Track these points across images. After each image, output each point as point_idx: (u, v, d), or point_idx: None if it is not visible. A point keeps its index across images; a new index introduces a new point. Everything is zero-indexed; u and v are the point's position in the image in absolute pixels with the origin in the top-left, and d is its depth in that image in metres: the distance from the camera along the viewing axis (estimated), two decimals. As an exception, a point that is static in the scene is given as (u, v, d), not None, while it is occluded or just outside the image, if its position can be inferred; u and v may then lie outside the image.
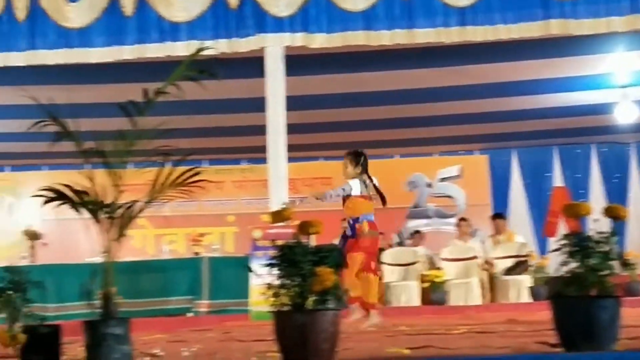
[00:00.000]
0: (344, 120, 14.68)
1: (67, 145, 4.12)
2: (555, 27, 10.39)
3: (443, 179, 17.25)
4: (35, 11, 10.90)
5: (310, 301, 3.95)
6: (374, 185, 9.17)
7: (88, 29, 10.85)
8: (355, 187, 8.93)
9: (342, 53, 11.19)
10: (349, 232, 8.79)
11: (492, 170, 17.32)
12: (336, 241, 12.16)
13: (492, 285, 13.18)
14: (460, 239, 13.95)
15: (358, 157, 9.12)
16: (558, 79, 12.93)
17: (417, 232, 15.54)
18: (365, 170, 9.15)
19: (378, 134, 15.82)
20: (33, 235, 12.26)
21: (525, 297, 12.36)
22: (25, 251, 12.35)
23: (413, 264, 13.25)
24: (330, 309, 3.97)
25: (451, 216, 16.88)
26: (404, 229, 16.97)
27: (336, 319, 3.96)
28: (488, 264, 13.48)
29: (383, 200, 9.20)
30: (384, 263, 13.30)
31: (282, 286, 4.01)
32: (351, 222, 8.82)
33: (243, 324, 9.32)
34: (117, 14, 10.84)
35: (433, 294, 12.41)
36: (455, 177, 17.24)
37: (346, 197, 8.94)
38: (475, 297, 12.65)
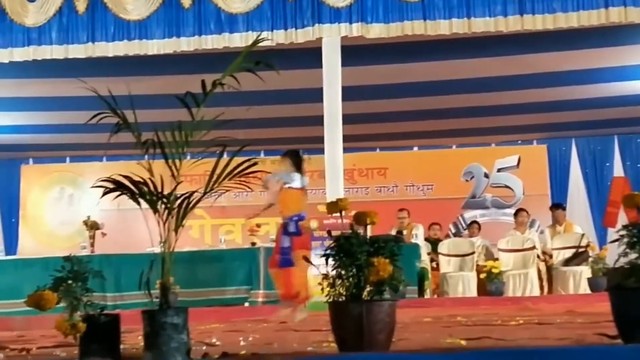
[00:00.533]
0: (400, 111, 14.63)
1: (126, 137, 4.17)
2: (615, 14, 10.27)
3: (501, 169, 17.10)
4: (95, 4, 11.06)
5: (366, 292, 3.95)
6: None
7: (147, 21, 11.00)
8: (297, 180, 8.98)
9: (399, 43, 11.16)
10: (292, 229, 8.83)
11: (550, 160, 17.12)
12: (393, 232, 12.19)
13: (550, 276, 13.05)
14: (518, 229, 13.83)
15: (297, 158, 9.23)
16: (619, 68, 12.74)
17: (474, 222, 15.44)
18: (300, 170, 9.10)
19: (435, 124, 15.75)
20: (93, 226, 12.41)
21: (584, 289, 12.22)
22: (85, 241, 12.53)
23: (470, 254, 13.17)
24: (386, 300, 3.96)
25: (509, 207, 16.74)
26: (461, 219, 16.90)
27: (392, 309, 3.95)
28: (546, 254, 13.36)
29: None
30: (441, 254, 13.24)
31: (338, 276, 4.02)
32: (295, 218, 8.82)
33: (299, 314, 9.33)
34: (176, 6, 10.97)
35: (490, 284, 12.32)
36: (513, 167, 17.07)
37: (284, 191, 8.96)
38: (533, 288, 12.54)
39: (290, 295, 8.71)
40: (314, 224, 9.43)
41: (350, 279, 3.97)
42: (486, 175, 17.10)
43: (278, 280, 8.99)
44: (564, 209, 14.44)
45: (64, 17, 11.10)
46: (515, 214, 14.25)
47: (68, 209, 17.28)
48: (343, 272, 4.00)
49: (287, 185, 8.91)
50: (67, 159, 17.77)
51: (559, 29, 10.54)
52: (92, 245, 12.27)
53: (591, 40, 11.47)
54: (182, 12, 10.98)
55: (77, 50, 11.11)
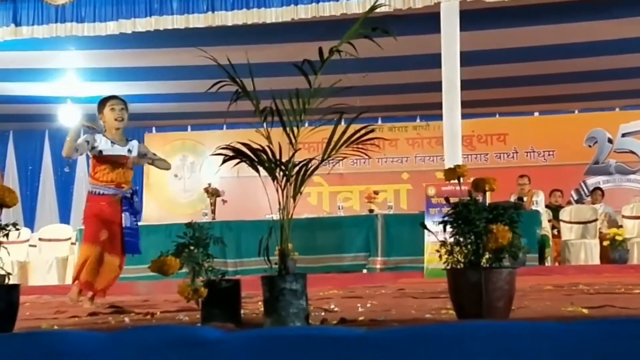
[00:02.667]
0: (519, 75, 14.39)
1: (245, 105, 4.21)
2: None
3: (625, 134, 16.65)
4: (214, -27, 11.20)
5: (485, 259, 3.92)
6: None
7: (265, -11, 11.09)
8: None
9: (517, 7, 10.96)
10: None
11: (678, 124, 16.60)
12: (513, 199, 12.01)
13: (677, 243, 12.71)
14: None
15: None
16: None
17: (597, 188, 15.11)
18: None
19: (555, 89, 15.44)
20: (214, 193, 12.64)
21: None
22: (206, 208, 12.78)
23: (593, 221, 12.90)
24: (505, 267, 3.92)
25: (633, 172, 16.33)
26: (583, 185, 16.55)
27: (511, 277, 3.90)
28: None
29: None
30: (562, 221, 13.02)
31: (456, 244, 3.99)
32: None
33: (417, 281, 9.33)
34: (293, -25, 11.00)
35: (613, 252, 12.07)
36: (639, 132, 16.60)
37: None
38: (659, 256, 12.23)
39: None
40: None
41: (469, 246, 3.94)
42: (610, 141, 16.68)
43: None
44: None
45: (183, -11, 11.30)
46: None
47: (190, 177, 17.65)
48: (461, 239, 3.97)
49: None
50: (189, 127, 18.13)
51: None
52: (213, 212, 12.51)
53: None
54: (300, -21, 11.03)
55: (197, 20, 11.30)
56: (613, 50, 13.09)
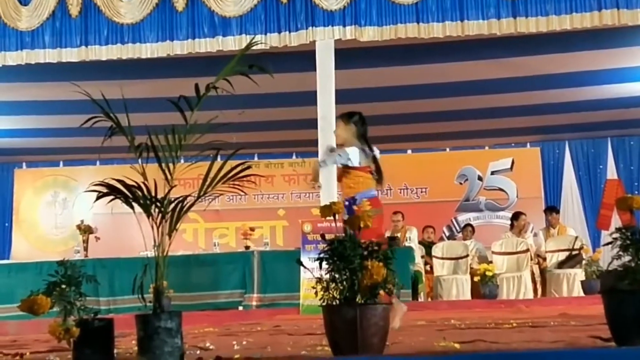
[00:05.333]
0: (392, 114, 14.63)
1: (119, 140, 4.16)
2: (608, 17, 10.30)
3: (494, 172, 17.12)
4: (88, 7, 11.06)
5: (360, 295, 3.95)
6: (374, 157, 7.18)
7: (140, 24, 11.00)
8: (354, 156, 7.09)
9: (392, 46, 11.17)
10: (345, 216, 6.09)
11: (544, 162, 17.18)
12: (386, 235, 12.15)
13: (544, 279, 13.09)
14: (517, 233, 13.82)
15: (352, 117, 7.45)
16: (612, 70, 12.77)
17: (468, 225, 15.46)
18: (363, 135, 7.30)
19: (428, 127, 15.77)
20: (86, 230, 12.40)
21: (578, 291, 12.24)
22: (78, 245, 12.50)
23: (464, 257, 13.18)
24: (380, 303, 3.96)
25: (502, 209, 16.78)
26: (455, 222, 16.92)
27: (386, 313, 3.95)
28: (540, 257, 13.38)
29: (380, 178, 7.06)
30: (434, 257, 13.25)
31: (332, 280, 4.01)
32: (347, 203, 6.80)
33: (293, 317, 9.34)
34: (169, 9, 10.98)
35: (484, 287, 12.33)
36: (507, 170, 17.09)
37: (342, 170, 7.16)
38: (527, 291, 12.56)
39: None
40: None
41: (344, 283, 3.97)
42: (480, 178, 17.12)
43: None
44: (557, 212, 14.49)
45: (57, 21, 11.09)
46: (515, 217, 14.23)
47: (62, 213, 17.25)
48: (337, 275, 4.00)
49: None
50: (61, 163, 17.74)
51: (552, 31, 10.56)
52: (86, 249, 12.26)
53: (584, 42, 11.50)
54: (176, 15, 10.97)
55: (71, 54, 11.10)
56: (483, 89, 13.47)
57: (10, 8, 11.10)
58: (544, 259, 13.29)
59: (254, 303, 11.03)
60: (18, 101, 13.41)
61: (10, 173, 17.56)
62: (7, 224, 17.31)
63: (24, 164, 17.67)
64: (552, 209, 14.51)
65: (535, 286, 12.97)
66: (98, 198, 4.02)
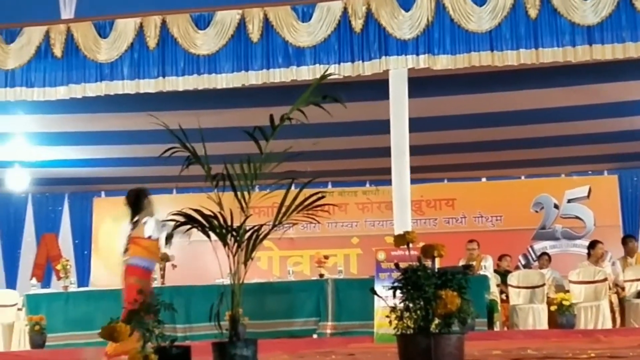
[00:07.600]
0: (466, 142, 14.57)
1: (196, 169, 4.22)
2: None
3: (571, 200, 16.90)
4: (166, 39, 11.25)
5: (434, 324, 3.94)
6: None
7: (216, 55, 11.15)
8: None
9: (466, 74, 11.13)
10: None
11: (622, 190, 16.87)
12: (461, 263, 12.09)
13: (623, 308, 12.81)
14: (594, 262, 13.57)
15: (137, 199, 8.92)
16: (691, 96, 12.54)
17: (544, 254, 15.24)
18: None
19: (503, 155, 15.65)
20: (163, 258, 12.52)
21: (658, 321, 11.99)
22: (156, 273, 12.64)
23: (540, 286, 12.99)
24: (455, 333, 3.95)
25: (579, 238, 16.53)
26: (531, 250, 16.72)
27: (460, 342, 3.93)
28: (618, 287, 13.13)
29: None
30: (510, 285, 13.10)
31: (406, 309, 4.01)
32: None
33: (367, 346, 9.31)
34: (244, 40, 11.10)
35: (561, 317, 12.13)
36: (584, 197, 16.86)
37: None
38: (605, 320, 12.31)
39: None
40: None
41: (418, 312, 3.97)
42: (556, 206, 16.90)
43: None
44: (636, 240, 14.20)
45: (135, 53, 11.31)
46: (592, 246, 13.95)
47: (139, 241, 17.45)
48: (411, 304, 4.00)
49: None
50: (139, 192, 17.97)
51: (629, 58, 10.41)
52: (163, 277, 12.38)
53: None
54: (251, 46, 11.10)
55: (148, 85, 11.30)
56: (559, 117, 13.32)
57: (90, 41, 11.36)
58: (623, 289, 13.03)
59: (329, 331, 11.04)
60: (97, 131, 13.68)
61: (90, 202, 17.88)
62: (86, 252, 17.61)
63: (102, 192, 17.97)
64: (629, 237, 14.24)
65: (614, 316, 12.71)
66: (176, 227, 4.09)
